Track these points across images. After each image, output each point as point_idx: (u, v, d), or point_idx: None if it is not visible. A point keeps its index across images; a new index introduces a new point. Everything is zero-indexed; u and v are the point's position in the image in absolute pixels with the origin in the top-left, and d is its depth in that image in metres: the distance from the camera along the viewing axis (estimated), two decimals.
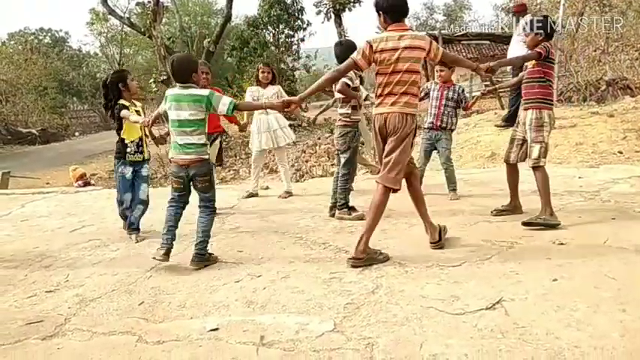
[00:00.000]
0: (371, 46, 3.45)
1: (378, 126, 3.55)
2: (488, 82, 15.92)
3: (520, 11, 8.26)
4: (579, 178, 5.65)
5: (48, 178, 13.18)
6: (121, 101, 4.34)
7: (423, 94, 5.37)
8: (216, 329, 2.67)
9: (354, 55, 3.53)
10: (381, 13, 3.50)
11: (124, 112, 4.27)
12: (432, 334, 2.46)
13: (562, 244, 3.57)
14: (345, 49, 4.55)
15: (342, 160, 4.77)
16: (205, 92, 3.64)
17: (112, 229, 4.92)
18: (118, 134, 4.45)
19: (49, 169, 14.88)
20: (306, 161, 10.90)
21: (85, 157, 17.51)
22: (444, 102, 5.28)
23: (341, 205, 4.71)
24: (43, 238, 4.74)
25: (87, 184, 9.16)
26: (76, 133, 29.45)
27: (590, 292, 2.77)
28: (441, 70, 5.28)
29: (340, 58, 4.56)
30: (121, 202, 4.59)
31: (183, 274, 3.55)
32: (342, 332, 2.55)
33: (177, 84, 3.64)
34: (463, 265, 3.31)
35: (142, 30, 18.63)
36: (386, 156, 3.53)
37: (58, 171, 14.23)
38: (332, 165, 10.07)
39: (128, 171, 4.44)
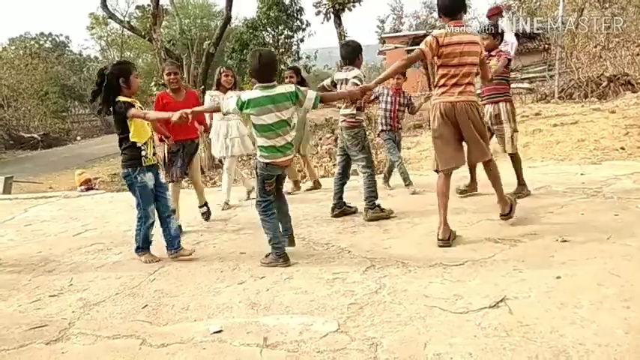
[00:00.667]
0: (437, 40, 3.70)
1: (445, 111, 3.80)
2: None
3: (494, 15, 8.23)
4: (581, 174, 5.64)
5: (50, 182, 13.19)
6: (122, 98, 3.72)
7: (372, 97, 5.76)
8: (220, 331, 2.67)
9: (423, 47, 3.74)
10: (440, 10, 3.84)
11: (133, 112, 3.69)
12: (435, 334, 2.46)
13: (565, 241, 3.56)
14: (351, 50, 4.62)
15: (363, 162, 4.65)
16: (291, 87, 3.53)
17: (115, 233, 4.94)
18: (124, 138, 3.80)
19: (52, 174, 14.91)
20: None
21: (87, 161, 17.53)
22: (397, 107, 5.77)
23: (372, 205, 4.60)
24: (47, 243, 4.75)
25: (90, 188, 9.17)
26: (78, 138, 29.47)
27: (593, 289, 2.77)
28: (397, 78, 5.63)
29: (347, 59, 4.60)
30: (145, 219, 3.90)
31: (187, 276, 3.55)
32: (346, 332, 2.55)
33: (260, 83, 3.44)
34: (466, 263, 3.31)
35: (142, 33, 18.62)
36: (477, 140, 3.87)
37: (60, 175, 14.25)
38: (334, 165, 10.06)
39: (149, 179, 3.84)
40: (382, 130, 5.90)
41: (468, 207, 4.71)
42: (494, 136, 4.93)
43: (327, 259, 3.65)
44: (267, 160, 3.53)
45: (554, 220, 4.11)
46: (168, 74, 4.79)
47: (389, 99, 5.78)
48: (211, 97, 5.49)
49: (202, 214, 5.18)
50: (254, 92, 3.45)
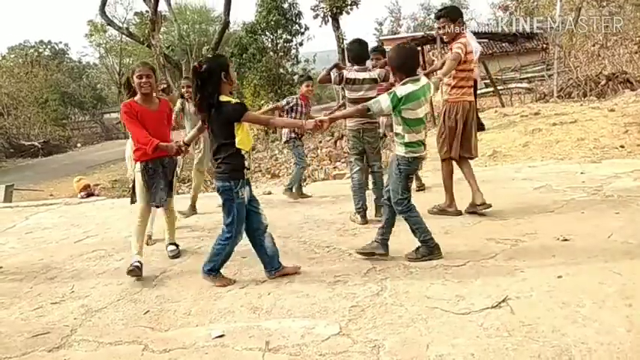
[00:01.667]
0: (466, 47, 4.24)
1: (465, 108, 4.37)
2: (488, 82, 15.88)
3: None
4: (582, 173, 5.63)
5: (51, 189, 13.22)
6: (225, 97, 3.21)
7: (287, 107, 5.80)
8: (222, 336, 2.67)
9: (459, 51, 4.21)
10: (461, 18, 4.38)
11: (253, 115, 3.27)
12: (438, 335, 2.46)
13: (566, 240, 3.56)
14: (366, 48, 4.65)
15: (379, 163, 4.74)
16: (427, 80, 3.49)
17: (116, 239, 4.93)
18: (226, 144, 3.23)
19: (52, 181, 14.93)
20: (308, 165, 10.92)
21: (87, 168, 17.53)
22: (306, 116, 5.86)
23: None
24: (48, 250, 4.75)
25: (90, 194, 9.19)
26: (78, 144, 29.54)
27: (595, 288, 2.76)
28: (307, 86, 5.89)
29: (365, 58, 4.67)
30: (236, 238, 3.37)
31: (188, 282, 3.55)
32: (347, 335, 2.55)
33: (408, 77, 3.34)
34: (467, 264, 3.30)
35: (141, 39, 18.71)
36: (474, 137, 4.50)
37: (61, 182, 14.27)
38: (334, 168, 10.07)
39: (247, 193, 3.35)
40: (293, 138, 5.94)
41: None
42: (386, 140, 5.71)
43: (328, 262, 3.65)
44: (415, 155, 3.47)
45: (554, 219, 4.11)
46: (140, 77, 3.82)
47: (301, 108, 5.83)
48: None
49: (171, 252, 4.20)
50: (408, 87, 3.31)
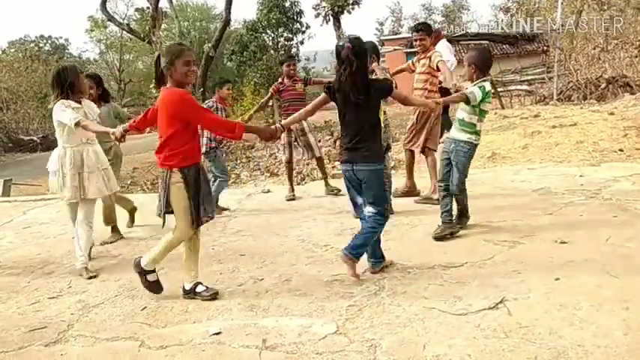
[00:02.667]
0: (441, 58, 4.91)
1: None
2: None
3: (435, 39, 8.00)
4: (580, 176, 5.64)
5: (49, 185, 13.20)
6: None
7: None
8: (219, 333, 2.67)
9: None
10: (431, 36, 5.09)
11: (400, 91, 3.32)
12: (434, 335, 2.46)
13: (564, 242, 3.56)
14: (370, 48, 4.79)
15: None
16: None
17: None
18: (377, 123, 3.14)
19: None
20: (307, 164, 10.89)
21: None
22: None
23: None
24: (46, 245, 4.75)
25: None
26: None
27: (592, 291, 2.77)
28: (228, 89, 5.57)
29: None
30: (382, 225, 3.23)
31: None
32: (344, 334, 2.55)
33: (486, 76, 3.78)
34: (465, 265, 3.31)
35: (142, 36, 18.68)
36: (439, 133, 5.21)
37: None
38: (333, 167, 10.05)
39: None
40: (213, 148, 5.28)
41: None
42: (300, 145, 5.79)
43: (326, 261, 3.65)
44: (479, 142, 3.93)
45: (553, 221, 4.12)
46: (188, 63, 2.93)
47: (220, 112, 5.27)
48: (73, 108, 4.02)
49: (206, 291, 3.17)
50: (488, 84, 3.79)
